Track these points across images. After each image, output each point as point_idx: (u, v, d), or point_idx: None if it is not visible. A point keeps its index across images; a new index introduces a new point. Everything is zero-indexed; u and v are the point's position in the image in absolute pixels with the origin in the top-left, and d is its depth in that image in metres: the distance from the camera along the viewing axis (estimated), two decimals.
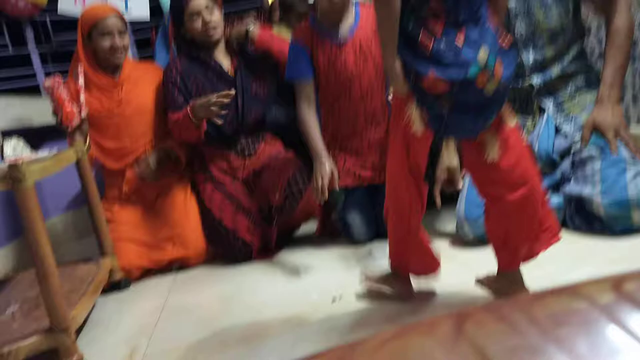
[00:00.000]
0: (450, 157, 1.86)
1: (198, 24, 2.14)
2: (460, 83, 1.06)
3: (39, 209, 1.34)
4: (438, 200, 1.82)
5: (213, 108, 1.92)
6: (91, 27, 2.19)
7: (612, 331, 0.32)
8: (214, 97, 1.91)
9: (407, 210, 1.29)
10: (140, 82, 2.30)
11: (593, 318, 0.33)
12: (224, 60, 2.23)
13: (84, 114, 2.03)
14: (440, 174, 1.86)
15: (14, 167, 1.30)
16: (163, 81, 2.22)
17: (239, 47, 2.24)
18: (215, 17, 2.16)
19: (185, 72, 2.18)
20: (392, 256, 1.43)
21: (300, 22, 2.86)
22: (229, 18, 2.36)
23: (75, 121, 1.94)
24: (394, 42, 1.10)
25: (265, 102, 2.24)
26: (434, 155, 2.03)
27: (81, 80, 2.08)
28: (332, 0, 1.85)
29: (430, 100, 1.11)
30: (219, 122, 2.01)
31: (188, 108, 2.01)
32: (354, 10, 1.96)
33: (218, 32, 2.18)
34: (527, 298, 0.37)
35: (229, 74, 2.21)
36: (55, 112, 2.02)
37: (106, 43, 2.18)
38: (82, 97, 2.04)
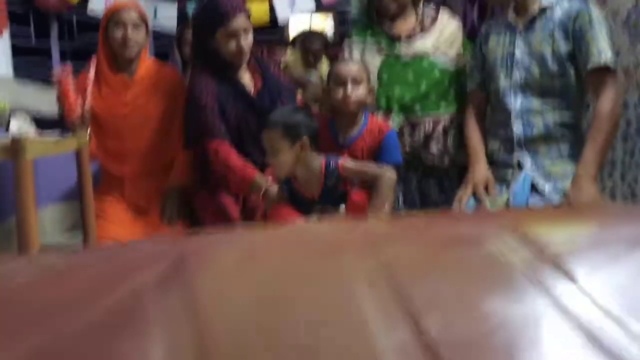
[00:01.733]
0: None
1: (232, 45, 2.00)
2: None
3: (33, 183, 1.38)
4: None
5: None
6: (108, 19, 2.19)
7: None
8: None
9: None
10: (153, 89, 2.28)
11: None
12: (247, 80, 2.16)
13: (87, 106, 2.02)
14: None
15: (17, 139, 1.36)
16: (195, 102, 2.07)
17: None
18: (249, 40, 2.06)
19: (221, 96, 2.05)
20: None
21: (315, 59, 2.96)
22: (257, 47, 2.30)
23: (78, 111, 1.95)
24: None
25: None
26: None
27: (91, 73, 2.07)
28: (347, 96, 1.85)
29: None
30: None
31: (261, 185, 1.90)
32: (362, 119, 1.92)
33: (247, 56, 2.09)
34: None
35: (252, 96, 2.12)
36: (60, 100, 2.03)
37: (118, 34, 2.15)
38: (89, 89, 2.04)
